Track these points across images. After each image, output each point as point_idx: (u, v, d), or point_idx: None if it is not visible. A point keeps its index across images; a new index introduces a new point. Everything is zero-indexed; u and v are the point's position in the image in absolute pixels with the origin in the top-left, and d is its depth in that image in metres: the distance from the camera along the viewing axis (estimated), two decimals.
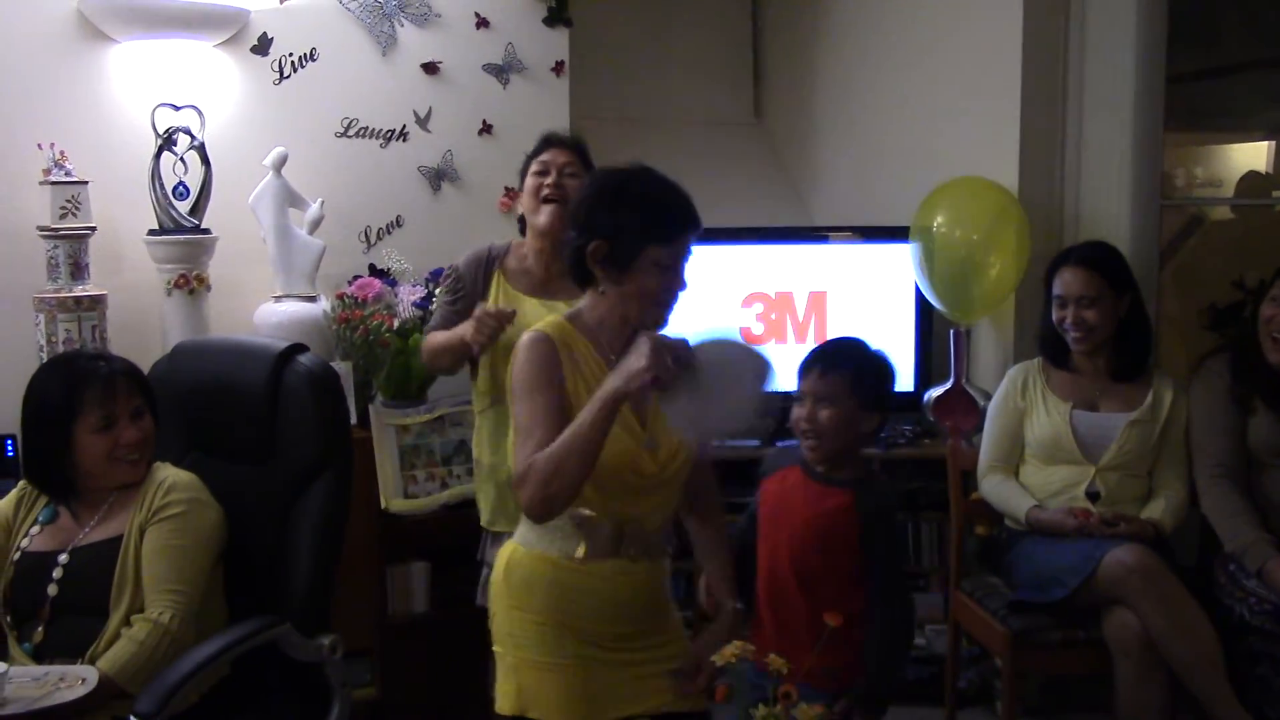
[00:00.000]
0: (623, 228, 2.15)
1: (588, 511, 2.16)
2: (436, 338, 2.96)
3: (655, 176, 2.22)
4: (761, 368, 2.09)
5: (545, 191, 2.91)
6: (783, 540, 2.48)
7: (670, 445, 2.20)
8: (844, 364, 2.46)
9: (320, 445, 2.60)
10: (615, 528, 2.18)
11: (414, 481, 3.46)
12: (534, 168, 2.97)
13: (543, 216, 2.91)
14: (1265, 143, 4.94)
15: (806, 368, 2.50)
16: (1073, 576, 2.97)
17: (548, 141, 3.01)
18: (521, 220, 3.04)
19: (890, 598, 2.43)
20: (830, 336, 2.61)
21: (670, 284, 2.18)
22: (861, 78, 4.49)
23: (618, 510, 2.18)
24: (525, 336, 2.19)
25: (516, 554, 2.25)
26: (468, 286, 2.98)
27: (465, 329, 2.83)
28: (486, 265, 3.00)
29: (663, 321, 2.21)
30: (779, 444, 2.69)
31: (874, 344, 2.55)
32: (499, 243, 3.07)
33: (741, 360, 2.10)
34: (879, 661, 2.39)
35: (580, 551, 2.17)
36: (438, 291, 3.11)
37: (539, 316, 2.90)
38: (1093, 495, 3.16)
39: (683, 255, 2.19)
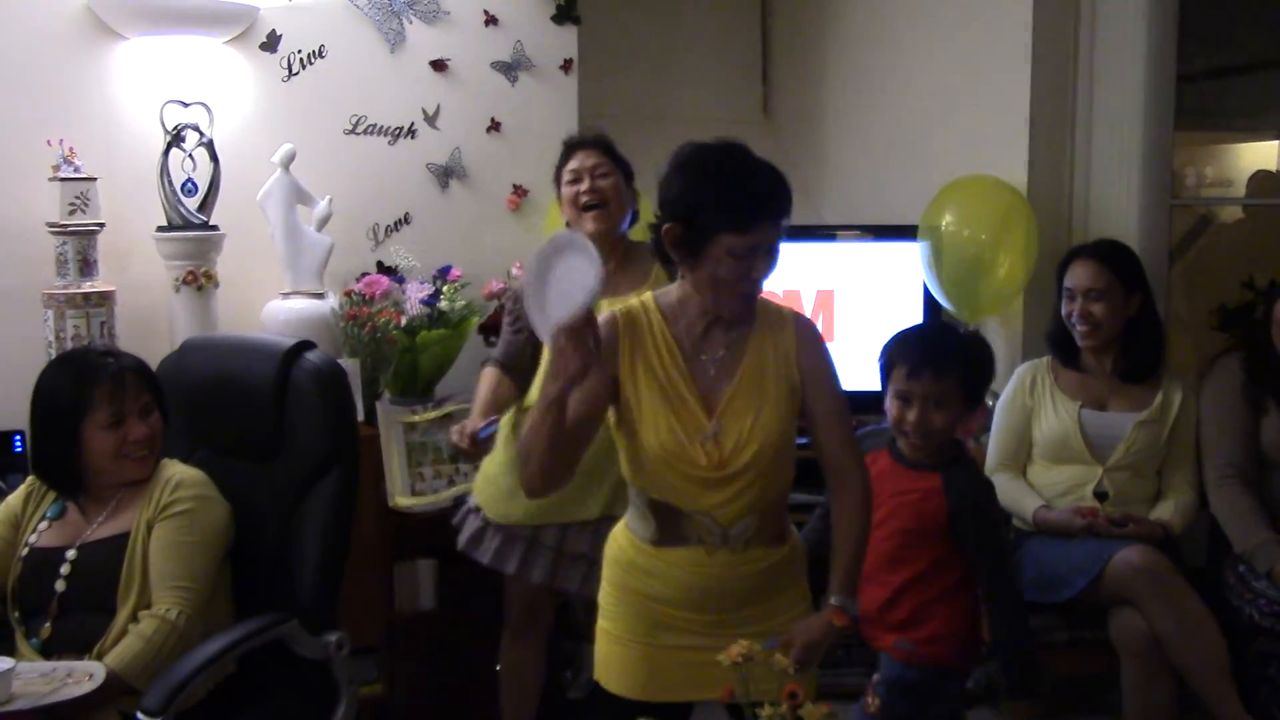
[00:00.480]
0: (695, 212, 2.03)
1: (654, 495, 2.12)
2: (482, 390, 2.96)
3: (739, 157, 2.07)
4: (585, 254, 1.99)
5: (584, 199, 2.91)
6: (874, 525, 2.44)
7: (738, 438, 2.08)
8: (955, 364, 2.41)
9: (327, 442, 2.60)
10: (682, 517, 2.11)
11: (421, 479, 3.46)
12: (566, 177, 2.96)
13: (588, 224, 2.91)
14: (1276, 142, 4.92)
15: (915, 369, 2.41)
16: (1080, 577, 2.97)
17: (572, 146, 3.00)
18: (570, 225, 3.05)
19: (994, 589, 2.44)
20: (912, 325, 2.61)
21: (746, 272, 2.04)
22: (870, 76, 4.48)
23: (684, 500, 2.10)
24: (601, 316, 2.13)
25: (617, 528, 2.26)
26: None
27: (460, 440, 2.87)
28: None
29: (742, 310, 2.12)
30: (869, 428, 2.66)
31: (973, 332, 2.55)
32: None
33: (568, 255, 2.01)
34: (1005, 653, 2.44)
35: (651, 535, 2.14)
36: (504, 315, 3.10)
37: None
38: (1100, 495, 3.15)
39: (762, 243, 2.03)
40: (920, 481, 2.45)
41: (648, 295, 2.20)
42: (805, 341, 2.16)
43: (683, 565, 2.12)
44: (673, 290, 2.19)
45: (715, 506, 2.09)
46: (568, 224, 3.02)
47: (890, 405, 2.48)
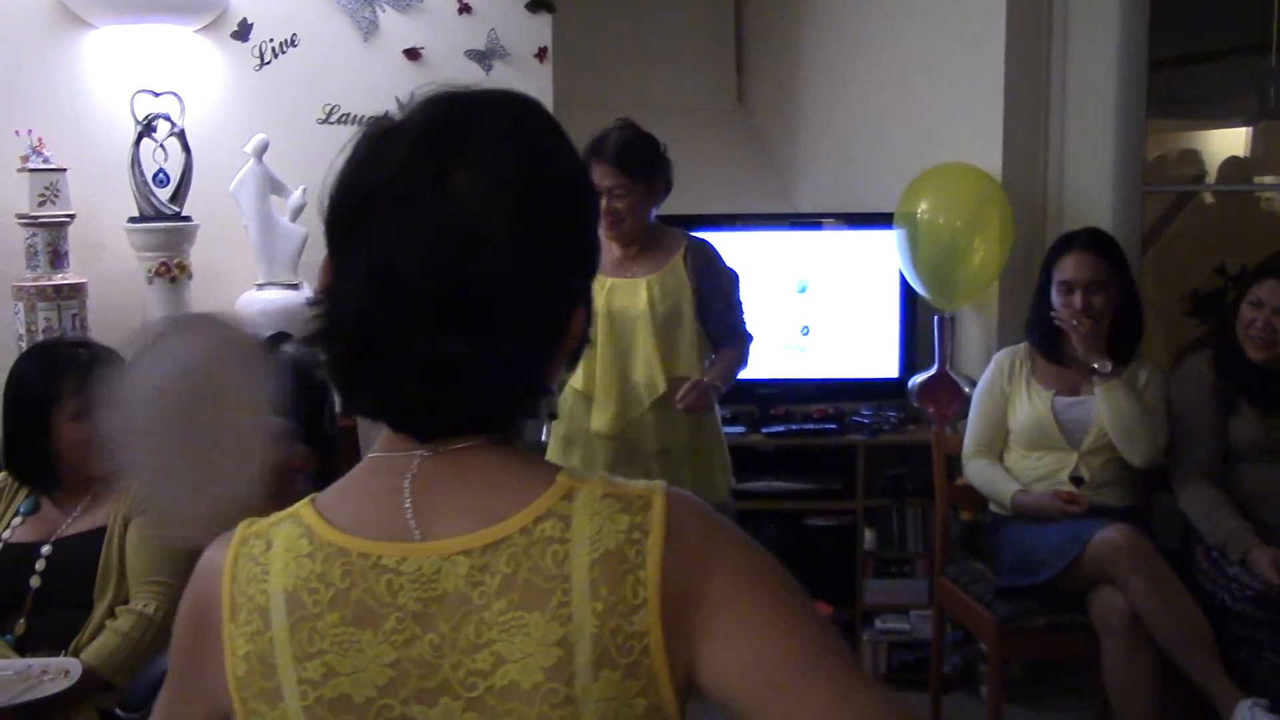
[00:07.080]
0: None
1: None
2: None
3: None
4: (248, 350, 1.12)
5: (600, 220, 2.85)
6: None
7: None
8: None
9: (303, 434, 2.58)
10: None
11: None
12: None
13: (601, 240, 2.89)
14: (1245, 129, 4.96)
15: None
16: (1059, 558, 2.98)
17: (589, 153, 2.84)
18: None
19: None
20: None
21: None
22: (845, 64, 4.48)
23: None
24: None
25: None
26: None
27: None
28: None
29: None
30: None
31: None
32: None
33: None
34: None
35: None
36: None
37: (621, 294, 2.90)
38: (1076, 480, 3.17)
39: None
40: None
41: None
42: None
43: None
44: None
45: None
46: None
47: None
